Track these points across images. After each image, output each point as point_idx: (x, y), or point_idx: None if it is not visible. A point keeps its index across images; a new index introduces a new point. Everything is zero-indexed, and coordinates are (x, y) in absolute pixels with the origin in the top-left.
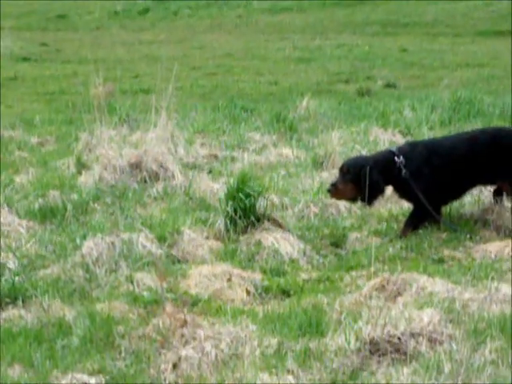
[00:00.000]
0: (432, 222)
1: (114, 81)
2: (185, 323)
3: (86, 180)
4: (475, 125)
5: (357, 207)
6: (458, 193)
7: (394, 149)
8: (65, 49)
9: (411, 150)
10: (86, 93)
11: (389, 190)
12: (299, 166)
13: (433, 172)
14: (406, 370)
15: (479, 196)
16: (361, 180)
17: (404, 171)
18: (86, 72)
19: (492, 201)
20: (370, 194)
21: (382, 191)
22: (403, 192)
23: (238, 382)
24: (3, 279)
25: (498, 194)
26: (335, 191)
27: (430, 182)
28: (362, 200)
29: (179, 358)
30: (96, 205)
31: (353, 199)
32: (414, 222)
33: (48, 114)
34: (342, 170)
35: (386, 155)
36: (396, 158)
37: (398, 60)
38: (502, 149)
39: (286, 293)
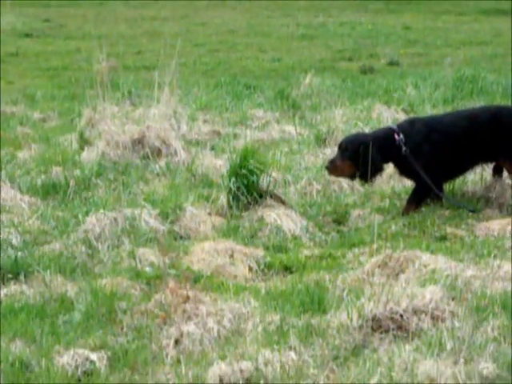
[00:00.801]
0: (434, 200)
1: (117, 57)
2: (187, 299)
3: (88, 156)
4: (478, 103)
5: (359, 184)
6: (459, 170)
7: (393, 126)
8: (67, 24)
9: (411, 127)
10: (88, 68)
11: (389, 167)
12: (302, 143)
13: (433, 149)
14: (408, 347)
15: (482, 174)
16: (359, 157)
17: (404, 148)
18: (88, 48)
19: (493, 178)
20: (369, 172)
21: (380, 169)
22: (404, 169)
23: (240, 358)
24: (5, 255)
25: (497, 171)
26: (333, 168)
27: (430, 158)
28: (361, 177)
29: (181, 334)
30: (98, 181)
31: (351, 176)
32: (416, 200)
33: (50, 89)
34: (340, 147)
35: (386, 132)
36: (396, 135)
37: (401, 38)
38: (503, 127)
39: (288, 269)
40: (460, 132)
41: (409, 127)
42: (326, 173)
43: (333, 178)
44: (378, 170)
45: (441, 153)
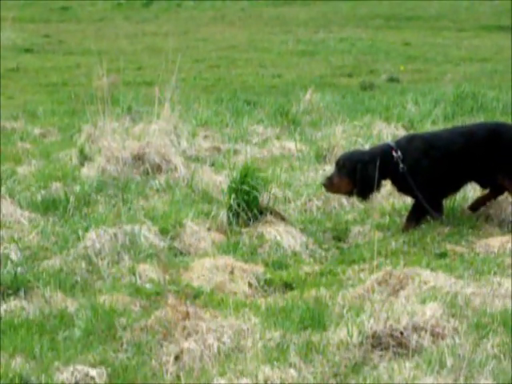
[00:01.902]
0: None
1: (117, 72)
2: (187, 315)
3: (88, 172)
4: (478, 119)
5: (357, 201)
6: (457, 186)
7: (391, 143)
8: (67, 40)
9: (409, 144)
10: (88, 84)
11: (387, 183)
12: (302, 160)
13: (431, 165)
14: (408, 364)
15: (482, 191)
16: (356, 174)
17: (401, 166)
18: (88, 63)
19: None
20: (366, 189)
21: (378, 186)
22: (401, 186)
23: (240, 374)
24: (5, 270)
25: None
26: (330, 185)
27: (428, 176)
28: (358, 194)
29: (181, 351)
30: (98, 196)
31: (348, 193)
32: (415, 216)
33: (50, 105)
34: (337, 164)
35: (384, 149)
36: (393, 152)
37: (401, 54)
38: (501, 144)
39: (288, 286)
40: (458, 148)
41: (406, 144)
42: (323, 189)
43: (332, 194)
44: (375, 187)
45: (439, 169)
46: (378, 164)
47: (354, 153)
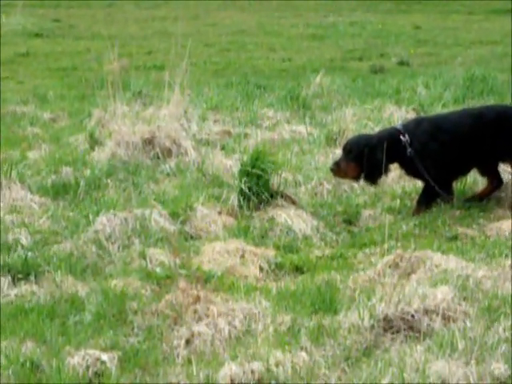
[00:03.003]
0: (445, 200)
1: (128, 57)
2: (198, 299)
3: (98, 156)
4: (489, 102)
5: (365, 185)
6: (466, 169)
7: (399, 126)
8: (77, 25)
9: (416, 127)
10: (98, 69)
11: (395, 167)
12: (312, 143)
13: (439, 148)
14: (419, 347)
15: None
16: (363, 159)
17: (409, 150)
18: (98, 48)
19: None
20: (374, 173)
21: (386, 170)
22: (410, 170)
23: (251, 358)
24: (16, 255)
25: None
26: (338, 170)
27: (437, 158)
28: (366, 179)
29: (192, 334)
30: (109, 181)
31: (356, 178)
32: (425, 200)
33: (60, 89)
34: (345, 148)
35: (391, 133)
36: (401, 135)
37: (411, 37)
38: (509, 128)
39: (299, 269)
40: (466, 130)
41: (414, 127)
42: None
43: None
44: (383, 171)
45: (447, 152)
46: (385, 148)
47: (361, 137)
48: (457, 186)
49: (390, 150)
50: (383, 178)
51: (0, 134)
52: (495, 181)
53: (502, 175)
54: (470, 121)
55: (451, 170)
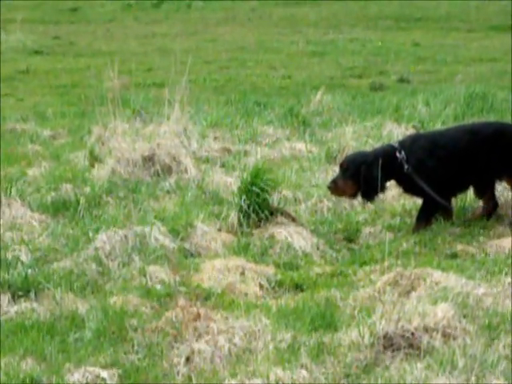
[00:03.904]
0: (445, 217)
1: (128, 74)
2: (198, 317)
3: (98, 173)
4: (489, 120)
5: (361, 203)
6: (463, 185)
7: (395, 143)
8: (77, 42)
9: (413, 144)
10: (98, 86)
11: (391, 184)
12: (312, 161)
13: (436, 164)
14: (419, 365)
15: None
16: (361, 176)
17: (406, 166)
18: (98, 65)
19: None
20: (370, 191)
21: (382, 187)
22: (407, 187)
23: (251, 375)
24: (16, 272)
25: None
26: (335, 188)
27: (434, 175)
28: (363, 196)
29: (192, 352)
30: (109, 198)
31: (353, 195)
32: (424, 216)
33: (60, 106)
34: (342, 166)
35: (387, 150)
36: (397, 153)
37: (411, 55)
38: (506, 144)
39: (299, 287)
40: (463, 146)
41: (410, 144)
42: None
43: (338, 197)
44: (379, 188)
45: (444, 168)
46: (380, 165)
47: (357, 154)
48: (456, 203)
49: (386, 167)
50: (381, 195)
51: (0, 151)
52: (491, 203)
53: (503, 193)
54: (466, 137)
55: (448, 186)
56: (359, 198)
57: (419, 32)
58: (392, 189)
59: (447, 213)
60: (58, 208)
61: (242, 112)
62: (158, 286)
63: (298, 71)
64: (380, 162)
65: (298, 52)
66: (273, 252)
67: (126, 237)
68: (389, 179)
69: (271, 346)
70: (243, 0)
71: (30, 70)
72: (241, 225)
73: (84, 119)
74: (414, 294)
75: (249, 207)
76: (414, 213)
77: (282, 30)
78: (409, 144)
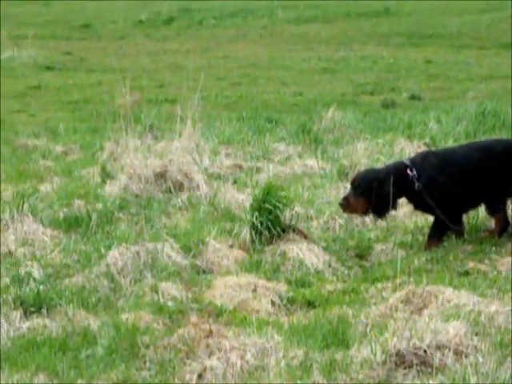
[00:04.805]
0: (457, 235)
1: (140, 90)
2: (210, 333)
3: (110, 189)
4: (501, 137)
5: (372, 220)
6: (474, 202)
7: (406, 161)
8: (89, 58)
9: (424, 161)
10: (110, 102)
11: (403, 202)
12: (324, 177)
13: (447, 182)
14: (431, 382)
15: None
16: (372, 193)
17: (417, 184)
18: (110, 81)
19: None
20: (382, 207)
21: (394, 204)
22: (418, 204)
23: None
24: (28, 288)
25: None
26: (347, 205)
27: (445, 192)
28: (374, 213)
29: (204, 369)
30: (121, 214)
31: (365, 213)
32: (436, 234)
33: (72, 122)
34: (353, 183)
35: (399, 167)
36: (409, 170)
37: (422, 72)
38: None
39: (311, 304)
40: (474, 163)
41: (421, 161)
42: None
43: (350, 214)
44: (391, 205)
45: (455, 185)
46: (392, 182)
47: (369, 172)
48: (469, 220)
49: (397, 185)
50: (392, 212)
51: (11, 167)
52: (503, 221)
53: None
54: (477, 154)
55: (460, 204)
56: (370, 215)
57: (431, 49)
58: (404, 206)
59: (459, 231)
60: (70, 224)
61: (253, 129)
62: (170, 303)
63: (310, 88)
64: (391, 179)
65: (309, 69)
66: (285, 269)
67: (137, 253)
68: (400, 196)
69: (283, 363)
70: (255, 18)
71: (41, 86)
72: (253, 241)
73: (96, 135)
74: (425, 312)
75: (261, 224)
76: (426, 230)
77: (293, 47)
78: (420, 161)
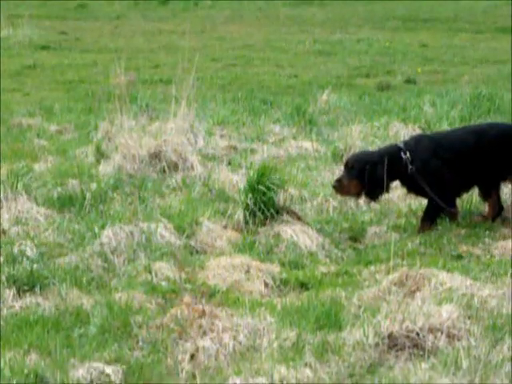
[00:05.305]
0: (450, 218)
1: (134, 70)
2: (203, 314)
3: (105, 169)
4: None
5: (365, 202)
6: (468, 186)
7: (400, 144)
8: (84, 38)
9: (417, 144)
10: (105, 82)
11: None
12: (319, 160)
13: (440, 165)
14: (423, 365)
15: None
16: (365, 176)
17: (410, 167)
18: (105, 61)
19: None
20: (375, 190)
21: (387, 187)
22: (411, 187)
23: (255, 373)
24: (21, 267)
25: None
26: (340, 187)
27: (438, 175)
28: (367, 196)
29: (197, 349)
30: (115, 194)
31: (358, 195)
32: (429, 217)
33: (67, 102)
34: (346, 165)
35: (392, 150)
36: (402, 153)
37: (418, 55)
38: (510, 146)
39: (304, 286)
40: (468, 147)
41: (415, 144)
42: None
43: (343, 197)
44: (384, 188)
45: (448, 169)
46: (385, 164)
47: (362, 154)
48: (462, 205)
49: (391, 168)
50: (386, 195)
51: (6, 146)
52: (496, 206)
53: (509, 195)
54: (471, 138)
55: (453, 187)
56: (363, 198)
57: (426, 33)
58: (398, 189)
59: (452, 214)
60: (64, 203)
61: (248, 110)
62: (163, 283)
63: (305, 70)
64: (385, 161)
65: (304, 51)
66: (278, 250)
67: (131, 233)
68: (393, 179)
69: (275, 345)
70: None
71: (36, 65)
72: (247, 223)
73: (91, 115)
74: (418, 295)
75: (255, 205)
76: (420, 213)
77: (289, 30)
78: (413, 144)
